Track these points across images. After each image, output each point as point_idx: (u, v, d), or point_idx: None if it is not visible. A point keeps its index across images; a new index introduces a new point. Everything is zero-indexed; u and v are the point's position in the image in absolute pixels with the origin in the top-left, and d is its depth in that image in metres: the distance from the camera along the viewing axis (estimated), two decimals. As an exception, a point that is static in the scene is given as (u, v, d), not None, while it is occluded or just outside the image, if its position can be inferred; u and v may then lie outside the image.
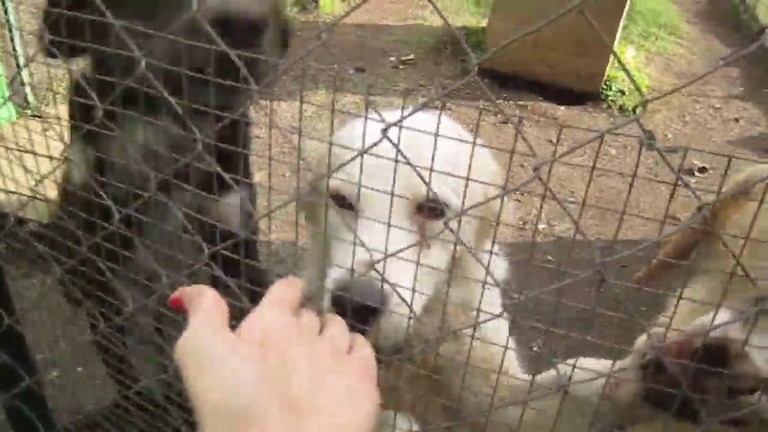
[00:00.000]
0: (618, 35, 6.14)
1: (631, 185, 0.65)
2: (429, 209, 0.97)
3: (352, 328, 0.75)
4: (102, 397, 2.25)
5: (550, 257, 3.68)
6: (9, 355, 1.32)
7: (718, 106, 6.49)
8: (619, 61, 0.67)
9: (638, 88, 0.61)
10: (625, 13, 5.77)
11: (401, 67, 6.07)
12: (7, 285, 1.33)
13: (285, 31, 1.22)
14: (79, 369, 2.59)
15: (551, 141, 4.83)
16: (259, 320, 0.67)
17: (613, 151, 5.09)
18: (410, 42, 6.57)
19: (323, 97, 5.27)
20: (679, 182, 0.60)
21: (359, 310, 0.83)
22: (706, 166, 4.93)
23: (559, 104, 5.65)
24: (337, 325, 0.74)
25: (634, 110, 5.61)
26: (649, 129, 0.54)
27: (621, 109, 5.76)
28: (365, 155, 0.70)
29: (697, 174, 4.86)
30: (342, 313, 0.81)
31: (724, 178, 0.67)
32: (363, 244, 0.77)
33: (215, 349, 0.61)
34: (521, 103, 5.68)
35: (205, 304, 0.68)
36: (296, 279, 0.77)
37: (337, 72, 5.56)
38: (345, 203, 0.99)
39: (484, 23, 6.55)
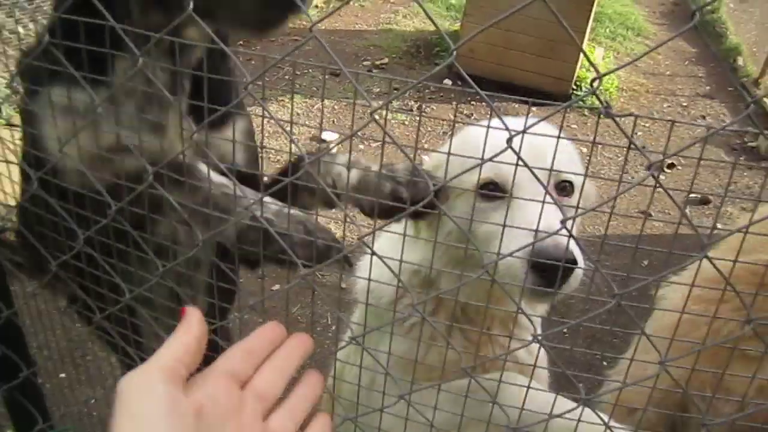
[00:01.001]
0: (586, 37, 6.28)
1: (589, 156, 0.72)
2: (562, 189, 1.14)
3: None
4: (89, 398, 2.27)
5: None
6: (8, 347, 1.35)
7: (685, 104, 6.66)
8: (585, 54, 0.73)
9: (594, 66, 0.67)
10: (592, 16, 5.89)
11: (375, 71, 6.13)
12: (6, 279, 1.35)
13: None
14: (62, 375, 2.60)
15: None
16: (211, 387, 0.66)
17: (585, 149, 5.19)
18: (383, 46, 6.64)
19: (299, 100, 5.31)
20: (632, 146, 0.67)
21: (556, 269, 0.92)
22: (674, 162, 5.07)
23: (527, 104, 5.75)
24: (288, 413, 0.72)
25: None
26: (607, 101, 0.61)
27: (591, 108, 5.89)
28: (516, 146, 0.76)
29: (666, 170, 4.99)
30: (542, 274, 0.94)
31: (667, 140, 0.75)
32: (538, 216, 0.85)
33: (152, 403, 0.60)
34: (494, 104, 5.76)
35: (178, 341, 0.67)
36: (269, 333, 0.76)
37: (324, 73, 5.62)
38: (494, 191, 1.10)
39: (456, 26, 6.64)
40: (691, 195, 4.62)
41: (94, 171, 0.95)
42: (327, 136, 4.67)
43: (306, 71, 5.83)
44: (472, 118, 5.57)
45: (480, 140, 0.85)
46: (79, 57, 0.89)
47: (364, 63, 6.24)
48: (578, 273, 0.98)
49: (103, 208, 0.94)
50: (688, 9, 10.02)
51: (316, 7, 7.44)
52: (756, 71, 7.06)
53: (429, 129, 5.20)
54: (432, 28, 7.06)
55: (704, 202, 4.65)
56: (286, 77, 5.59)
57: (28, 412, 1.40)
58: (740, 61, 7.60)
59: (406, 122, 5.37)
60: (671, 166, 5.04)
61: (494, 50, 5.75)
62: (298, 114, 5.09)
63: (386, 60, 6.35)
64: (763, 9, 7.58)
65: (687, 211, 4.61)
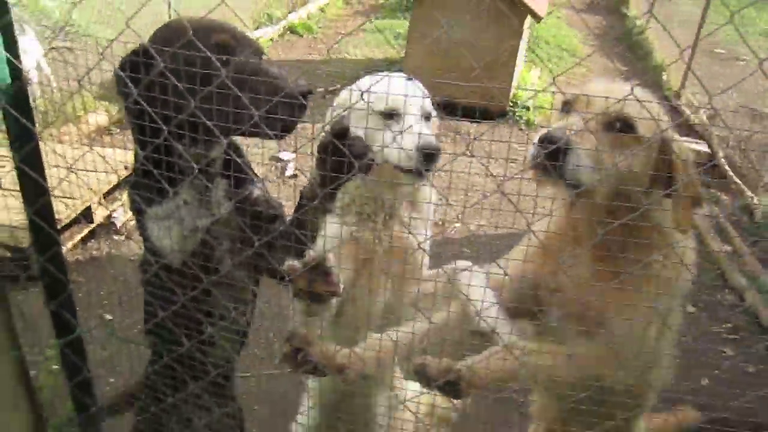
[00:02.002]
0: (522, 59, 6.86)
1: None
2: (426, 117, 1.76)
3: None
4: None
5: (466, 250, 4.22)
6: (62, 307, 1.73)
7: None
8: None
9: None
10: (524, 39, 6.46)
11: (328, 96, 6.60)
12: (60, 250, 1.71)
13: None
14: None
15: (465, 154, 5.40)
16: None
17: (520, 159, 5.70)
18: (335, 75, 7.12)
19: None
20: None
21: (433, 153, 1.57)
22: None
23: (471, 122, 6.24)
24: None
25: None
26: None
27: (527, 123, 6.43)
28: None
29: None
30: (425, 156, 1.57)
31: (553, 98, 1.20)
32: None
33: None
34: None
35: None
36: None
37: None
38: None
39: (402, 54, 7.17)
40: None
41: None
42: (284, 155, 5.11)
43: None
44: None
45: (377, 85, 1.57)
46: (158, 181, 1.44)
47: (318, 90, 6.70)
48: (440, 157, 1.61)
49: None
50: (619, 32, 10.81)
51: (271, 40, 7.93)
52: (677, 85, 7.76)
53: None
54: (381, 55, 7.59)
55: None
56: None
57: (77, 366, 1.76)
58: (664, 76, 8.29)
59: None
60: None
61: (437, 73, 6.25)
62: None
63: (338, 86, 6.83)
64: (684, 28, 8.29)
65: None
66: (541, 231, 1.44)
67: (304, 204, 1.52)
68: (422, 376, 1.31)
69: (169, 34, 1.44)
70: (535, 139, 1.31)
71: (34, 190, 1.58)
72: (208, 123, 1.35)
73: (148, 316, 1.70)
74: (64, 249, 3.14)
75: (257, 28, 7.97)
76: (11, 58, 1.40)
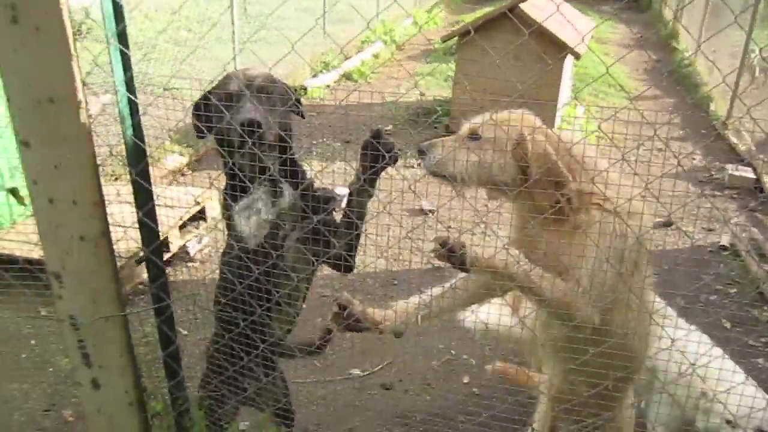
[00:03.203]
0: (565, 97, 7.15)
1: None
2: None
3: None
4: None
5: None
6: (164, 323, 2.18)
7: (660, 147, 7.42)
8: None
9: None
10: (564, 76, 6.78)
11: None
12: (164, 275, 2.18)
13: (298, 101, 2.21)
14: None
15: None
16: None
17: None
18: (389, 116, 7.58)
19: (317, 165, 6.20)
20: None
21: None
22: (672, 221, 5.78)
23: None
24: None
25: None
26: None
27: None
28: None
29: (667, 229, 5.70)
30: None
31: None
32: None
33: None
34: (485, 157, 6.61)
35: None
36: None
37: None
38: None
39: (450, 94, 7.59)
40: (657, 219, 5.36)
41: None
42: (339, 191, 5.54)
43: (321, 140, 6.76)
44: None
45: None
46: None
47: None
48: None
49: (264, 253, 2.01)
50: (667, 65, 10.96)
51: (328, 86, 8.49)
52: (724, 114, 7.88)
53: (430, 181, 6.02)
54: (431, 98, 8.03)
55: (668, 224, 5.36)
56: (304, 146, 6.53)
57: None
58: (712, 106, 8.41)
59: (408, 177, 6.21)
60: (669, 224, 5.70)
61: (482, 112, 6.62)
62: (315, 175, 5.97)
63: (391, 126, 7.28)
64: (734, 58, 8.42)
65: (652, 231, 5.32)
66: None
67: (353, 192, 2.02)
68: (443, 247, 1.65)
69: (219, 83, 2.09)
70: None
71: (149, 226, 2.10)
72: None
73: (222, 291, 2.13)
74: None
75: (314, 76, 8.55)
76: (131, 96, 1.89)
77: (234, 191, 2.05)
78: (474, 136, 1.87)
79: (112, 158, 4.96)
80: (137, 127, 1.94)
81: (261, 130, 1.91)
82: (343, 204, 2.08)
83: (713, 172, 6.67)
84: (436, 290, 1.92)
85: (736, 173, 6.35)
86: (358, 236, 2.11)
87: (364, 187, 2.00)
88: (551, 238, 1.74)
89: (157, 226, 2.08)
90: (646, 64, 11.17)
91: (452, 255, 1.61)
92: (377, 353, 3.70)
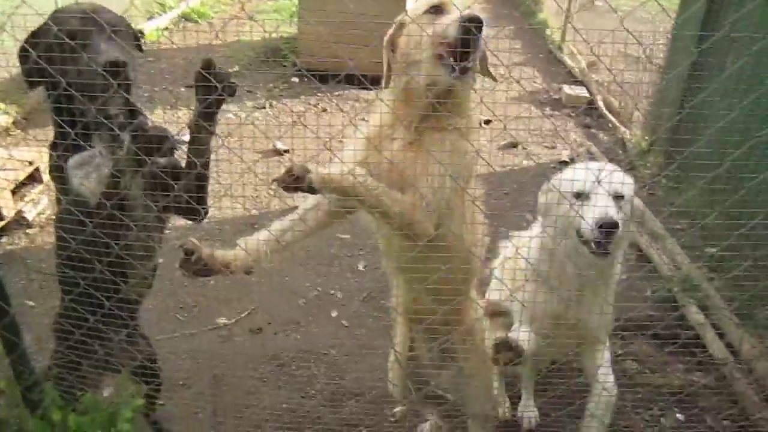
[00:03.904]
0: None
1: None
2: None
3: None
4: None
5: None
6: None
7: (502, 72, 7.72)
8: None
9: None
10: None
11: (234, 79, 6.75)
12: None
13: (137, 36, 2.01)
14: None
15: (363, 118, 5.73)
16: None
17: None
18: (234, 57, 7.27)
19: (160, 114, 5.85)
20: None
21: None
22: (490, 118, 6.03)
23: (369, 90, 6.54)
24: None
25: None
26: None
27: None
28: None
29: (483, 126, 5.93)
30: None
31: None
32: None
33: None
34: (336, 93, 6.57)
35: None
36: None
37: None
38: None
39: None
40: (504, 141, 5.64)
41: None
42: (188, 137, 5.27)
43: (163, 87, 6.37)
44: (319, 107, 6.34)
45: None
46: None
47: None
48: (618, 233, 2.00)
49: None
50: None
51: (166, 29, 7.97)
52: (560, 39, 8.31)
53: (281, 121, 5.91)
54: (276, 35, 7.78)
55: (514, 145, 5.64)
56: (146, 94, 6.13)
57: None
58: (548, 31, 8.83)
59: (260, 118, 6.03)
60: (488, 122, 5.99)
61: (329, 47, 6.50)
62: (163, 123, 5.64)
63: (237, 68, 6.99)
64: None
65: (500, 153, 5.60)
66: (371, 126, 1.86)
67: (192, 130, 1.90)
68: (290, 173, 1.62)
69: (51, 20, 1.82)
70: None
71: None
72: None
73: (61, 254, 1.96)
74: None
75: (150, 19, 7.99)
76: None
77: (65, 144, 1.84)
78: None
79: None
80: None
81: (125, 71, 1.74)
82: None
83: (551, 93, 7.06)
84: (283, 222, 1.89)
85: (572, 93, 6.77)
86: (204, 178, 1.97)
87: (200, 123, 1.86)
88: (397, 154, 1.77)
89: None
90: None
91: (299, 180, 1.58)
92: (243, 299, 3.65)
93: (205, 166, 1.95)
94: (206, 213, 2.04)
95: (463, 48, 1.63)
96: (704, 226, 3.44)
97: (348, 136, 1.90)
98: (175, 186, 1.90)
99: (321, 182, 1.60)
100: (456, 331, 2.07)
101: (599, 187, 2.00)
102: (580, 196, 2.05)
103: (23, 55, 1.85)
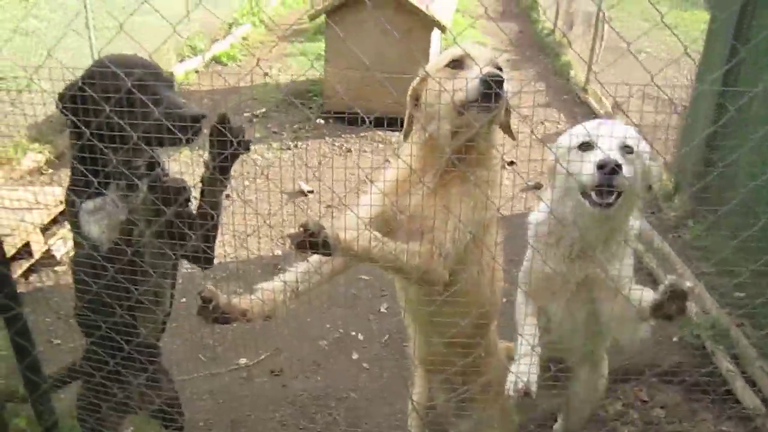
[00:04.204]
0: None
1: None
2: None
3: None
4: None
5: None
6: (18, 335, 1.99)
7: (526, 114, 7.75)
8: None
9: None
10: (433, 49, 6.89)
11: (255, 120, 6.89)
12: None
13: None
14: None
15: (387, 160, 5.78)
16: None
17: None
18: (261, 99, 7.41)
19: (186, 153, 5.96)
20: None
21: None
22: (514, 160, 6.03)
23: (394, 131, 6.62)
24: None
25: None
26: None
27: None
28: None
29: (507, 167, 5.94)
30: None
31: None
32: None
33: None
34: (362, 134, 6.65)
35: None
36: None
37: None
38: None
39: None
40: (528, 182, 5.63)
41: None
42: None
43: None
44: (344, 148, 6.41)
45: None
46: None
47: (245, 114, 6.98)
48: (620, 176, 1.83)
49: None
50: (531, 36, 11.44)
51: (196, 71, 8.18)
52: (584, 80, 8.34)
53: (306, 161, 5.98)
54: (303, 78, 7.92)
55: (537, 187, 5.62)
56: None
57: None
58: (572, 74, 8.87)
59: (286, 159, 6.11)
60: (511, 163, 5.99)
61: (355, 89, 6.59)
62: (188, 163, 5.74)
63: (264, 109, 7.12)
64: (587, 26, 8.90)
65: (524, 195, 5.58)
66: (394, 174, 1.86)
67: (204, 182, 1.91)
68: (305, 230, 1.60)
69: (100, 70, 1.82)
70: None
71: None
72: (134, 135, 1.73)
73: (79, 301, 1.99)
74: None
75: (181, 61, 8.21)
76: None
77: (81, 188, 1.88)
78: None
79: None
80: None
81: (201, 126, 1.78)
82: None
83: (576, 135, 7.04)
84: (299, 270, 1.89)
85: (597, 134, 6.74)
86: (215, 227, 2.00)
87: (215, 176, 1.88)
88: (418, 202, 1.78)
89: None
90: (510, 36, 11.60)
91: (313, 239, 1.58)
92: (264, 340, 3.64)
93: (216, 217, 1.97)
94: (212, 261, 2.08)
95: (485, 103, 1.66)
96: (733, 270, 3.37)
97: (373, 179, 1.91)
98: (190, 236, 1.94)
99: (335, 242, 1.60)
100: (474, 381, 2.04)
101: (604, 137, 1.85)
102: (584, 146, 1.90)
103: (71, 104, 1.85)
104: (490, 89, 1.63)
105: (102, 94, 1.76)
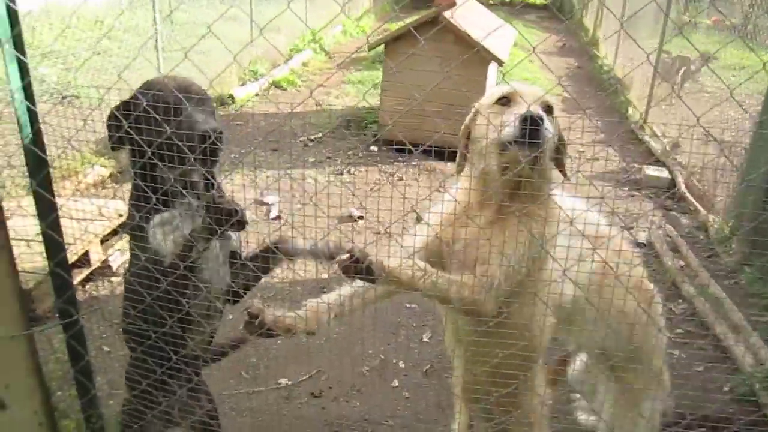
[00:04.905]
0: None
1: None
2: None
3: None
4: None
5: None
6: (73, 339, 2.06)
7: (582, 149, 7.68)
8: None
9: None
10: (488, 81, 6.93)
11: (310, 144, 7.03)
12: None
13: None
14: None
15: (438, 189, 5.80)
16: None
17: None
18: (317, 124, 7.57)
19: (247, 174, 6.13)
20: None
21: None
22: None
23: (446, 162, 6.64)
24: None
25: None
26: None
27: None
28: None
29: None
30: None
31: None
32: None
33: None
34: (414, 163, 6.70)
35: None
36: None
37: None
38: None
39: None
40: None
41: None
42: (268, 199, 5.49)
43: (250, 149, 6.69)
44: (396, 176, 6.47)
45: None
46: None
47: (300, 139, 7.14)
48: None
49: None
50: (589, 71, 11.37)
51: (256, 95, 8.42)
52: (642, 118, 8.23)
53: (358, 188, 6.06)
54: (359, 105, 8.06)
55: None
56: (232, 155, 6.44)
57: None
58: (630, 111, 8.76)
59: (338, 184, 6.21)
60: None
61: (411, 119, 6.68)
62: (242, 185, 5.89)
63: (320, 135, 7.27)
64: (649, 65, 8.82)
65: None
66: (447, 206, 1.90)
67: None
68: (350, 255, 1.65)
69: (144, 90, 1.95)
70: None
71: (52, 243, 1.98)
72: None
73: (127, 317, 2.07)
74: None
75: (242, 85, 8.47)
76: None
77: (144, 204, 1.96)
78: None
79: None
80: (37, 136, 1.87)
81: (220, 139, 1.87)
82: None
83: (631, 174, 6.95)
84: (347, 290, 1.93)
85: (653, 174, 6.64)
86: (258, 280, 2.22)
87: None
88: (473, 231, 1.80)
89: (61, 237, 2.01)
90: (568, 70, 11.56)
91: (357, 266, 1.62)
92: (306, 361, 3.68)
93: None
94: (237, 302, 2.25)
95: (523, 140, 1.70)
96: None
97: (422, 209, 1.95)
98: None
99: (379, 269, 1.64)
100: (514, 414, 2.03)
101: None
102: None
103: (115, 121, 1.96)
104: (530, 126, 1.66)
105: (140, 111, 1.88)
